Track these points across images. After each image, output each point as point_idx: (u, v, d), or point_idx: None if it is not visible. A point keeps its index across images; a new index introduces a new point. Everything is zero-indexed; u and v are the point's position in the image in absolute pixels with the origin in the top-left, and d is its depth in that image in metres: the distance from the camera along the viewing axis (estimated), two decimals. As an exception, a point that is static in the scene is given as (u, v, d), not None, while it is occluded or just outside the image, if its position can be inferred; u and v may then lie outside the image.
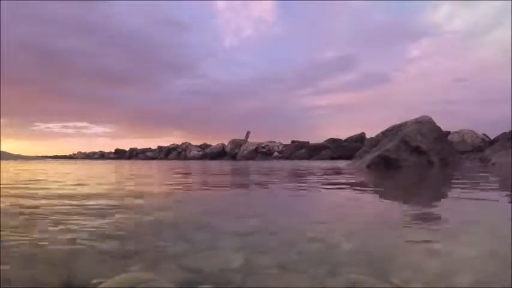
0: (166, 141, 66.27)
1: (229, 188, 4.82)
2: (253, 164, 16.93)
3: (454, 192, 3.88)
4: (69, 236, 1.76)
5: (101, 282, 1.10)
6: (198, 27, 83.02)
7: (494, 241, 1.68)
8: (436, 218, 2.30)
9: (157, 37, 77.98)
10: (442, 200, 3.50)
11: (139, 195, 3.67)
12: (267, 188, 4.65)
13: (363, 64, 77.79)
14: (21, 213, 2.41)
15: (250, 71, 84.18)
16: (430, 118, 11.36)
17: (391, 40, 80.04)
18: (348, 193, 3.87)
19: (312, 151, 33.29)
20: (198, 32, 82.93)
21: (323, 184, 4.90)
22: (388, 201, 3.50)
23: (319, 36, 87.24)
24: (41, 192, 3.92)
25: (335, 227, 1.96)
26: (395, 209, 2.80)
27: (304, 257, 1.37)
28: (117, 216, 2.30)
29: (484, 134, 25.87)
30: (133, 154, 46.04)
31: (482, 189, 4.11)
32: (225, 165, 16.44)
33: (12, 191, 3.96)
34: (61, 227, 1.96)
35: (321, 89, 74.56)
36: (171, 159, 39.27)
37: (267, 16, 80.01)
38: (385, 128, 12.65)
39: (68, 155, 58.05)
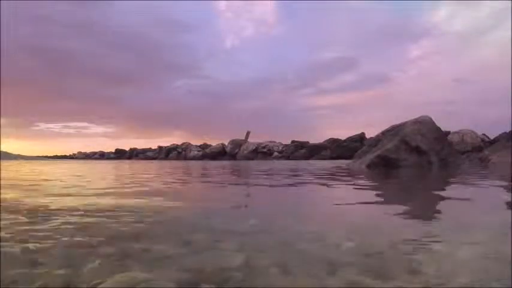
0: (166, 141, 66.29)
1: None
2: (254, 164, 16.95)
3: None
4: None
5: (100, 282, 1.10)
6: (199, 27, 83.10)
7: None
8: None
9: (158, 37, 78.03)
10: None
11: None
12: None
13: (363, 64, 77.88)
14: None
15: (250, 71, 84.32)
16: (430, 118, 11.36)
17: (391, 40, 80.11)
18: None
19: (312, 151, 33.33)
20: (199, 32, 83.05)
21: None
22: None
23: (319, 37, 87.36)
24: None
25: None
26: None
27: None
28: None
29: (483, 134, 25.89)
30: (133, 154, 46.07)
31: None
32: (230, 164, 16.46)
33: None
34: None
35: (321, 89, 74.64)
36: (171, 159, 39.28)
37: (268, 16, 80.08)
38: (385, 128, 12.67)
39: (68, 155, 58.12)
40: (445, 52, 73.85)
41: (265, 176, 6.89)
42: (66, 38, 67.65)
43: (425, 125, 11.06)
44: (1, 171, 8.53)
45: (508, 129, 14.40)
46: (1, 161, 24.31)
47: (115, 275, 1.15)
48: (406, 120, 11.67)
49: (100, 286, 1.07)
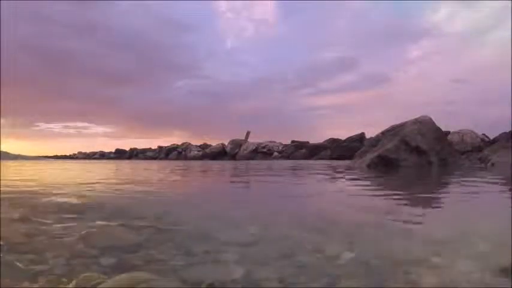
0: (166, 141, 66.08)
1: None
2: (255, 163, 16.93)
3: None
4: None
5: (100, 282, 1.10)
6: (199, 27, 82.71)
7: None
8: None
9: (158, 37, 77.79)
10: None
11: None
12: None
13: (363, 64, 77.65)
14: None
15: (250, 71, 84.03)
16: (430, 118, 11.36)
17: (391, 41, 79.82)
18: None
19: (311, 151, 33.30)
20: (199, 32, 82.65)
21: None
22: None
23: (319, 37, 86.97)
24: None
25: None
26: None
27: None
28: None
29: (483, 134, 25.83)
30: (133, 154, 46.01)
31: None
32: (231, 163, 16.43)
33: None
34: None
35: (321, 89, 74.42)
36: (171, 159, 39.24)
37: (268, 17, 79.96)
38: (385, 128, 12.66)
39: (68, 155, 58.02)
40: (445, 52, 73.62)
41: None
42: (66, 38, 67.42)
43: (425, 125, 11.06)
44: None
45: (508, 129, 14.41)
46: (1, 161, 24.29)
47: (115, 275, 1.15)
48: (406, 120, 11.68)
49: (100, 286, 1.08)
